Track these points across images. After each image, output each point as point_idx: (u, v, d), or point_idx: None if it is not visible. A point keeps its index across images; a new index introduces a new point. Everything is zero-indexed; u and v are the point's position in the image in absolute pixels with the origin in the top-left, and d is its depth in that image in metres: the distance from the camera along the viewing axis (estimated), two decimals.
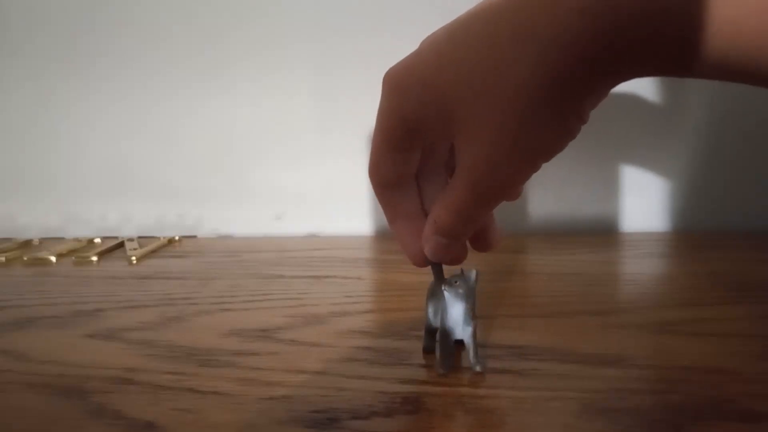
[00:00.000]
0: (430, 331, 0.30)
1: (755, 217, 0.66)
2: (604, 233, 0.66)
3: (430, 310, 0.30)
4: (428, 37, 0.27)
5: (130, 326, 0.37)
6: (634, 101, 0.65)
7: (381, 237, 0.66)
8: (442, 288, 0.29)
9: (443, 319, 0.29)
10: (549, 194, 0.67)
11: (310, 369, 0.30)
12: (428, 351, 0.31)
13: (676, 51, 0.20)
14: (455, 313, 0.29)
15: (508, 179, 0.25)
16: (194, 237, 0.69)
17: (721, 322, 0.35)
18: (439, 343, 0.29)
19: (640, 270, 0.52)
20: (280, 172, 0.68)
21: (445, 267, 0.29)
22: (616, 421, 0.24)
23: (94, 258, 0.56)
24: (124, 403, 0.26)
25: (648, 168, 0.67)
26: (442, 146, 0.29)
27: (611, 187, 0.67)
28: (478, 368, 0.29)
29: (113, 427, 0.24)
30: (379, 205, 0.29)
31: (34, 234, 0.68)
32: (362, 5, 0.65)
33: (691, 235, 0.64)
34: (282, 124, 0.67)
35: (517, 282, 0.47)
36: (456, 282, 0.29)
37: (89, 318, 0.39)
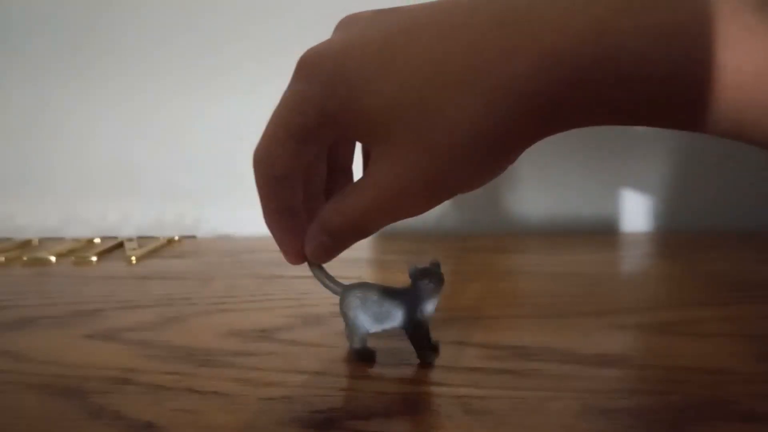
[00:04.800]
0: (364, 339, 0.30)
1: (755, 217, 0.66)
2: (604, 233, 0.66)
3: (365, 316, 0.29)
4: (353, 23, 0.24)
5: (129, 326, 0.37)
6: None
7: (381, 237, 0.65)
8: (423, 283, 0.28)
9: (415, 313, 0.28)
10: (549, 194, 0.67)
11: (310, 369, 0.30)
12: (370, 360, 0.30)
13: (635, 106, 0.19)
14: (430, 308, 0.29)
15: (417, 207, 0.24)
16: (194, 237, 0.69)
17: (721, 322, 0.35)
18: (420, 335, 0.29)
19: (640, 270, 0.52)
20: None
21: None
22: (616, 421, 0.24)
23: (94, 258, 0.56)
24: (123, 403, 0.26)
25: (648, 168, 0.67)
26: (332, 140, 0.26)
27: (611, 187, 0.67)
28: (429, 360, 0.29)
29: (113, 428, 0.24)
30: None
31: (33, 234, 0.68)
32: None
33: (690, 235, 0.64)
34: None
35: (517, 282, 0.47)
36: (436, 271, 0.28)
37: (89, 318, 0.39)
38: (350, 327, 0.30)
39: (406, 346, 0.31)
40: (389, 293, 0.29)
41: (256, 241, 0.65)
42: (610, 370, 0.29)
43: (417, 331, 0.29)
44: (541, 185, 0.67)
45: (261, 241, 0.66)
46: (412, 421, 0.24)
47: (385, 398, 0.26)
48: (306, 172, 0.27)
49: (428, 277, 0.28)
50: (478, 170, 0.22)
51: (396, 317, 0.29)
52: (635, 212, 0.67)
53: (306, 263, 0.29)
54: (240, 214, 0.69)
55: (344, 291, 0.30)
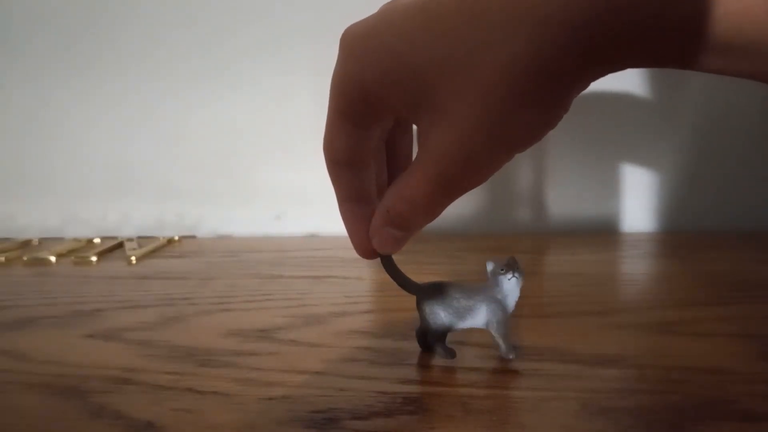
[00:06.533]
0: (443, 336, 0.30)
1: (754, 217, 0.66)
2: (604, 233, 0.66)
3: (446, 313, 0.29)
4: (391, 2, 0.24)
5: (129, 326, 0.37)
6: (634, 101, 0.65)
7: None
8: (509, 275, 0.28)
9: (502, 308, 0.29)
10: (549, 194, 0.67)
11: (310, 369, 0.30)
12: (451, 357, 0.30)
13: (677, 38, 0.19)
14: (512, 304, 0.29)
15: (480, 170, 0.22)
16: (194, 237, 0.69)
17: (721, 322, 0.35)
18: (505, 329, 0.29)
19: (640, 270, 0.52)
20: (280, 172, 0.68)
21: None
22: (616, 421, 0.24)
23: (94, 258, 0.56)
24: (123, 403, 0.26)
25: (648, 168, 0.67)
26: (388, 121, 0.26)
27: (611, 187, 0.67)
28: (512, 356, 0.29)
29: (113, 427, 0.24)
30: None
31: (33, 234, 0.68)
32: (362, 8, 0.65)
33: (690, 235, 0.64)
34: (282, 124, 0.67)
35: None
36: (518, 266, 0.29)
37: (89, 318, 0.39)
38: (429, 325, 0.29)
39: (405, 346, 0.31)
40: (470, 290, 0.29)
41: (256, 241, 0.65)
42: (610, 369, 0.29)
43: (502, 327, 0.29)
44: (542, 185, 0.67)
45: (261, 241, 0.67)
46: (412, 421, 0.24)
47: (385, 398, 0.26)
48: (374, 161, 0.26)
49: (511, 270, 0.28)
50: (534, 116, 0.21)
51: (478, 314, 0.29)
52: (635, 212, 0.67)
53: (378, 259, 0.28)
54: (240, 214, 0.69)
55: (421, 290, 0.29)
